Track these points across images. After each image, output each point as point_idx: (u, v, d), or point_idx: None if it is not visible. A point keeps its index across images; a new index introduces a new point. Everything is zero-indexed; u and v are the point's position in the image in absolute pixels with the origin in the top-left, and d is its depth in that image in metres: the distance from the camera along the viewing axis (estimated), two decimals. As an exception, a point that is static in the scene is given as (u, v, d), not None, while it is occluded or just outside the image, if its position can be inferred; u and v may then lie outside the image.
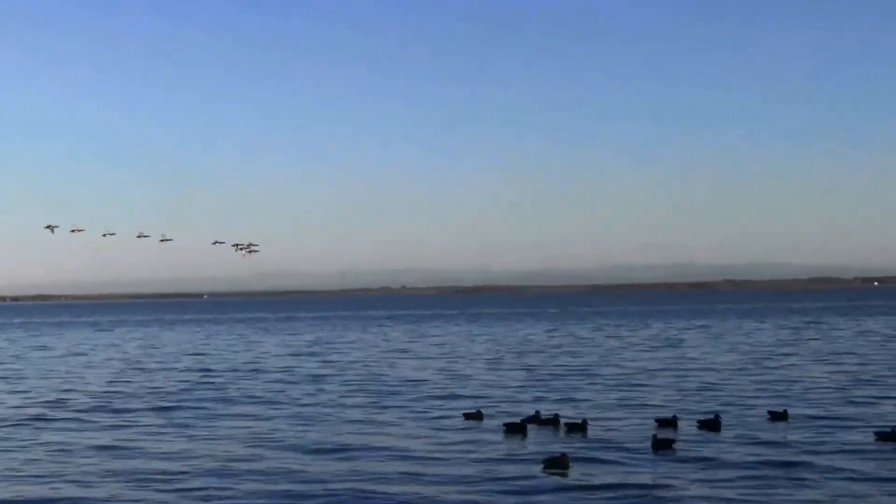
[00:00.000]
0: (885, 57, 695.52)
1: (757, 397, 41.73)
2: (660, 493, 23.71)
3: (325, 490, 24.78)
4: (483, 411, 37.12)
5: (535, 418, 34.77)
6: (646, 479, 25.20)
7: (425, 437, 32.97)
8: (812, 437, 30.90)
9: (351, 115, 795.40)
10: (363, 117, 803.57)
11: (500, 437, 32.55)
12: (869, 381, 47.20)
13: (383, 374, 56.64)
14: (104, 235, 50.41)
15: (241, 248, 51.68)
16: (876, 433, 30.26)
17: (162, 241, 51.16)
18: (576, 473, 25.90)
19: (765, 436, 31.33)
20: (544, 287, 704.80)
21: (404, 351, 79.54)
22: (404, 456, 29.19)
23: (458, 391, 46.87)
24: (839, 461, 26.83)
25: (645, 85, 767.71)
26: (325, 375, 56.51)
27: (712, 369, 55.67)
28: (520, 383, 50.25)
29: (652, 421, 34.04)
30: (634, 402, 40.79)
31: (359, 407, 41.31)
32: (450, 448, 30.51)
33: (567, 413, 36.79)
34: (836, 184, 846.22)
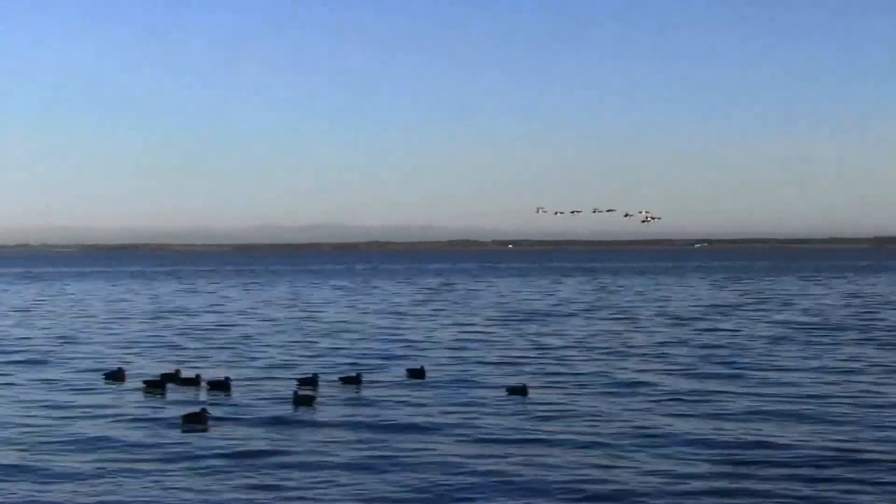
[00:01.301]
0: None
1: (396, 355, 42.96)
2: (294, 449, 23.67)
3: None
4: (125, 370, 36.03)
5: (176, 376, 34.05)
6: (282, 436, 25.19)
7: (60, 400, 31.33)
8: (446, 393, 32.12)
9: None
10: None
11: (139, 395, 31.64)
12: (503, 340, 49.71)
13: (6, 337, 53.64)
14: (594, 212, 47.69)
15: (629, 215, 48.83)
16: (507, 388, 31.86)
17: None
18: (215, 431, 25.50)
19: (402, 392, 32.30)
20: (189, 246, 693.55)
21: (32, 310, 75.60)
22: (30, 423, 27.58)
23: (101, 351, 45.18)
24: (470, 416, 27.92)
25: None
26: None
27: (352, 329, 56.71)
28: (158, 342, 49.15)
29: (294, 379, 34.17)
30: (276, 361, 40.83)
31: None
32: (86, 409, 29.18)
33: (208, 371, 36.38)
34: (476, 152, 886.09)
